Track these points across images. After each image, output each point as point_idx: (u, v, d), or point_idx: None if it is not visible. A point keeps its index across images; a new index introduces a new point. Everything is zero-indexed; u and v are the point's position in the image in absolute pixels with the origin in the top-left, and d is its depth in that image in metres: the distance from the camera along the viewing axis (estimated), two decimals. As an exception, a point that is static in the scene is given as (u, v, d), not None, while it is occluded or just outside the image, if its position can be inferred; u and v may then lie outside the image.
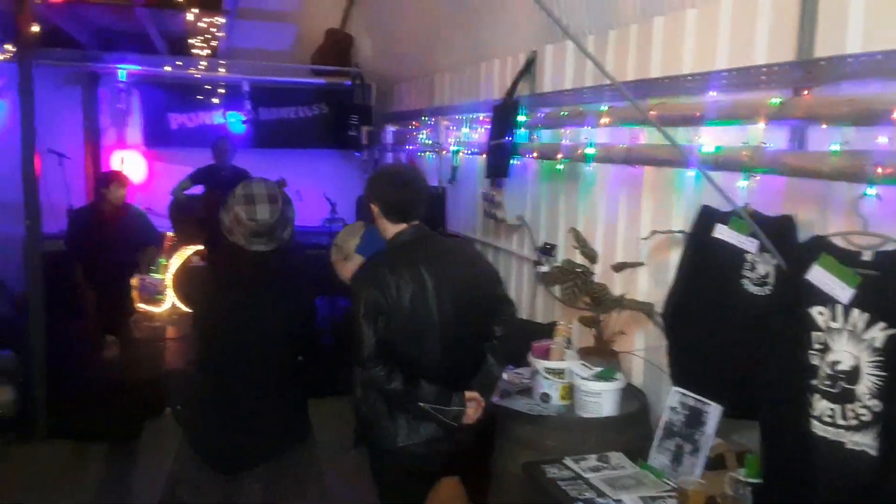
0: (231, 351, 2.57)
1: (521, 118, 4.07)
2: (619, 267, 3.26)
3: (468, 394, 2.58)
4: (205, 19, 4.54)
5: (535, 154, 3.94)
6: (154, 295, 7.02)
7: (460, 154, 5.16)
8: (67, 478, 4.47)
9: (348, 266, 4.38)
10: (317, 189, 7.10)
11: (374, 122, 7.55)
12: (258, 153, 7.35)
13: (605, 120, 3.21)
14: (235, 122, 7.58)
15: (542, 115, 3.93)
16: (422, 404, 2.49)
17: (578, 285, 3.55)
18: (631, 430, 2.88)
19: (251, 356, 2.58)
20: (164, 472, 4.23)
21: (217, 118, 7.61)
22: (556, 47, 4.04)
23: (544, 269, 4.02)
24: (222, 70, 7.08)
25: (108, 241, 5.59)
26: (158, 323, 6.74)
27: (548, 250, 4.07)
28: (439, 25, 5.74)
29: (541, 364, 3.04)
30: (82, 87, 7.31)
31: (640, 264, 3.22)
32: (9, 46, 6.15)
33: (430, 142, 5.69)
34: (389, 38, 7.09)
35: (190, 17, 4.30)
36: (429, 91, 6.18)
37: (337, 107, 7.78)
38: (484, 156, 4.66)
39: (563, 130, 3.74)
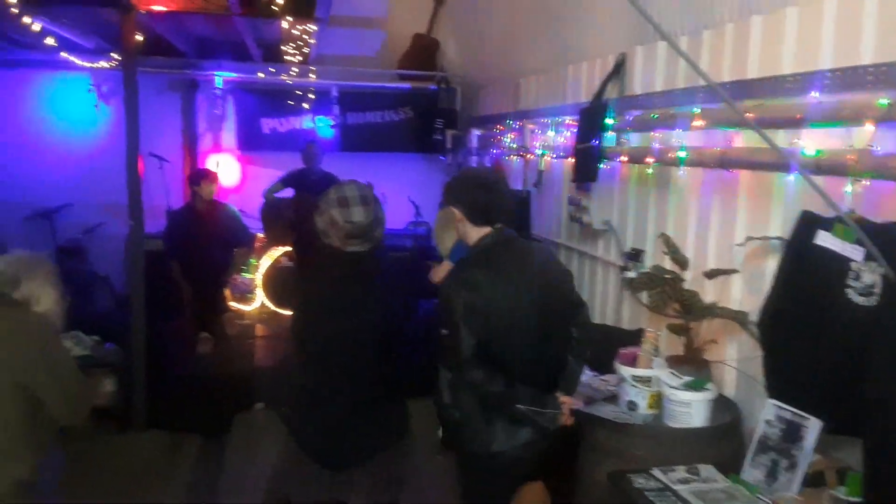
0: (330, 351, 2.64)
1: (609, 121, 4.01)
2: (711, 274, 3.16)
3: (561, 396, 2.57)
4: (298, 27, 4.66)
5: (623, 158, 3.88)
6: (245, 294, 7.30)
7: (546, 158, 5.13)
8: (164, 467, 4.67)
9: (439, 271, 4.42)
10: (401, 192, 7.20)
11: (458, 126, 7.60)
12: (345, 157, 7.51)
13: (698, 122, 3.12)
14: (324, 126, 7.77)
15: (631, 117, 3.86)
16: (520, 406, 2.47)
17: (668, 291, 3.48)
18: (722, 442, 2.79)
19: (350, 355, 2.64)
20: (253, 464, 4.42)
21: (306, 123, 7.82)
22: (647, 48, 3.95)
23: (631, 274, 3.94)
24: (312, 76, 7.27)
25: (203, 239, 5.82)
26: (248, 321, 7.01)
27: (635, 256, 3.99)
28: (525, 29, 5.72)
29: (628, 371, 2.98)
30: (182, 93, 7.66)
31: (735, 271, 3.11)
32: (114, 55, 6.52)
33: (516, 145, 5.67)
34: (476, 42, 7.11)
35: (285, 24, 4.41)
36: (514, 94, 6.17)
37: (422, 111, 7.86)
38: (570, 159, 4.61)
39: (653, 133, 3.66)
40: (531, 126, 5.28)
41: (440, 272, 4.39)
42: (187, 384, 5.39)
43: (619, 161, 3.97)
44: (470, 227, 2.61)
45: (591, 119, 4.23)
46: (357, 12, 7.50)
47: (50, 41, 5.14)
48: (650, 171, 3.65)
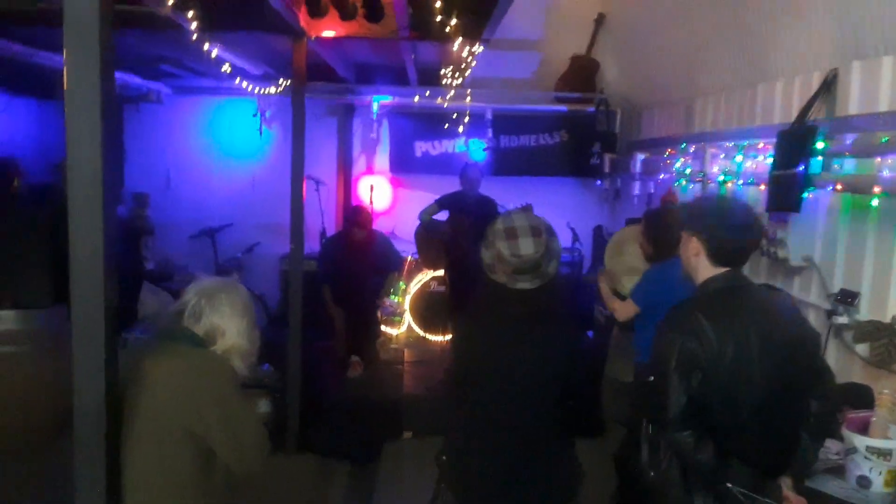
0: (497, 397, 2.37)
1: (819, 145, 3.52)
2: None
3: (787, 492, 2.13)
4: (466, 49, 4.50)
5: (837, 186, 3.37)
6: (391, 317, 7.24)
7: (728, 185, 4.65)
8: (315, 492, 4.60)
9: (620, 306, 4.07)
10: (555, 217, 6.82)
11: (617, 150, 7.20)
12: (498, 180, 7.29)
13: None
14: (476, 149, 7.61)
15: (850, 141, 3.35)
16: (730, 486, 2.07)
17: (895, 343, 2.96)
18: None
19: (518, 402, 2.37)
20: (402, 496, 4.23)
21: (459, 146, 7.70)
22: (866, 64, 3.45)
23: (842, 320, 3.42)
24: (468, 99, 7.14)
25: (356, 266, 5.78)
26: (396, 346, 6.92)
27: (847, 299, 3.46)
28: (702, 46, 5.28)
29: (860, 441, 2.50)
30: (338, 117, 7.76)
31: None
32: (281, 80, 6.68)
33: (689, 170, 5.22)
34: (640, 62, 6.72)
35: (454, 47, 4.26)
36: (686, 116, 5.72)
37: (579, 134, 7.53)
38: (762, 187, 4.14)
39: (878, 160, 3.15)
40: (713, 150, 4.81)
41: (621, 308, 4.04)
42: (338, 409, 5.33)
43: (830, 190, 3.47)
44: (705, 264, 2.24)
45: (792, 143, 3.74)
46: (513, 34, 7.29)
47: (225, 68, 5.26)
48: (875, 202, 3.13)
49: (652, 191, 6.24)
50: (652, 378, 2.17)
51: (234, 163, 7.68)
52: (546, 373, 2.37)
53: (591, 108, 7.39)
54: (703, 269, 2.24)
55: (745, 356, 2.07)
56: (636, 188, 6.37)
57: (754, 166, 4.30)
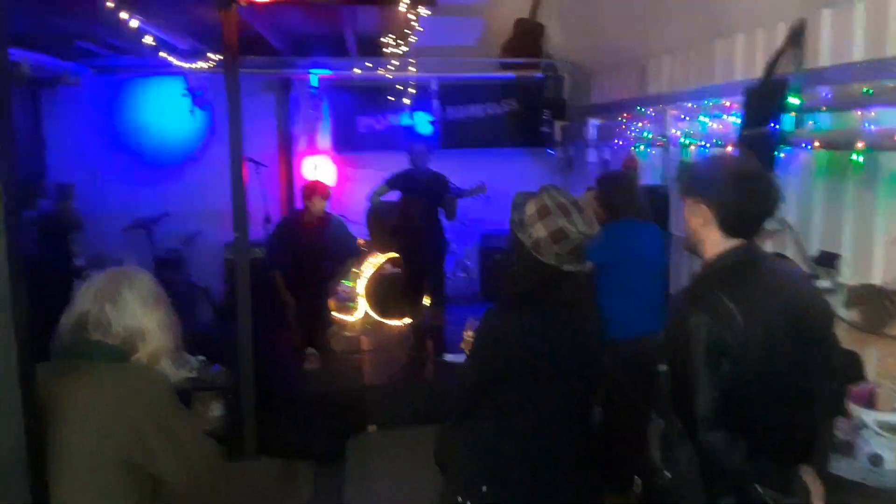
0: (544, 396, 2.08)
1: (792, 100, 3.35)
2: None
3: (810, 482, 1.91)
4: (411, 13, 4.18)
5: (815, 143, 3.21)
6: (346, 303, 6.92)
7: (691, 148, 4.49)
8: (280, 497, 4.31)
9: None
10: (508, 190, 6.63)
11: (568, 117, 6.99)
12: (446, 154, 7.01)
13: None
14: (423, 122, 7.30)
15: (828, 95, 3.19)
16: (758, 487, 1.83)
17: (887, 308, 2.84)
18: None
19: (564, 399, 2.11)
20: (373, 492, 3.97)
21: (405, 120, 7.38)
22: (837, 11, 3.28)
23: (825, 283, 3.28)
24: (412, 69, 6.81)
25: (310, 251, 5.46)
26: (351, 333, 6.63)
27: (828, 261, 3.33)
28: (653, 3, 5.08)
29: (870, 416, 2.35)
30: (276, 94, 7.33)
31: None
32: (210, 55, 6.22)
33: (650, 135, 5.04)
34: (587, 24, 6.49)
35: (401, 7, 3.94)
36: (640, 78, 5.53)
37: (527, 102, 7.30)
38: (729, 148, 3.98)
39: (858, 113, 3.00)
40: (674, 112, 4.63)
41: None
42: (297, 406, 5.01)
43: (807, 147, 3.31)
44: (715, 234, 1.97)
45: (761, 99, 3.57)
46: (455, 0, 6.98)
47: (147, 40, 4.81)
48: (859, 158, 2.97)
49: (608, 157, 6.06)
50: (666, 368, 1.95)
51: (167, 147, 7.18)
52: (589, 366, 2.15)
53: (539, 75, 7.15)
54: (713, 240, 1.98)
55: (774, 338, 1.84)
56: (591, 156, 6.19)
57: (720, 127, 4.13)
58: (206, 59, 6.29)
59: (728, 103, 4.01)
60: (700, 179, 2.03)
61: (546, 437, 2.09)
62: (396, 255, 6.30)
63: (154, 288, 1.96)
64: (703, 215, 1.97)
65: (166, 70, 6.47)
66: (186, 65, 6.36)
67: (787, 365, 1.86)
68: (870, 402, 2.42)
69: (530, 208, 2.08)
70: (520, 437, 2.09)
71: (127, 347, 1.86)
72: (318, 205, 5.31)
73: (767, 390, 1.85)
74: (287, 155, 7.43)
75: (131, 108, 7.15)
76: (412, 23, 4.98)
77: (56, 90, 6.83)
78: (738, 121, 3.78)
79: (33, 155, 6.87)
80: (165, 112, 7.14)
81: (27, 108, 6.75)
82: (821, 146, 3.20)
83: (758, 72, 3.84)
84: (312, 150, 7.53)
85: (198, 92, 7.01)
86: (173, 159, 7.16)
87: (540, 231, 2.03)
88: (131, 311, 1.87)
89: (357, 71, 6.85)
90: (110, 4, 3.45)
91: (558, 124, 6.93)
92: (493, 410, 2.10)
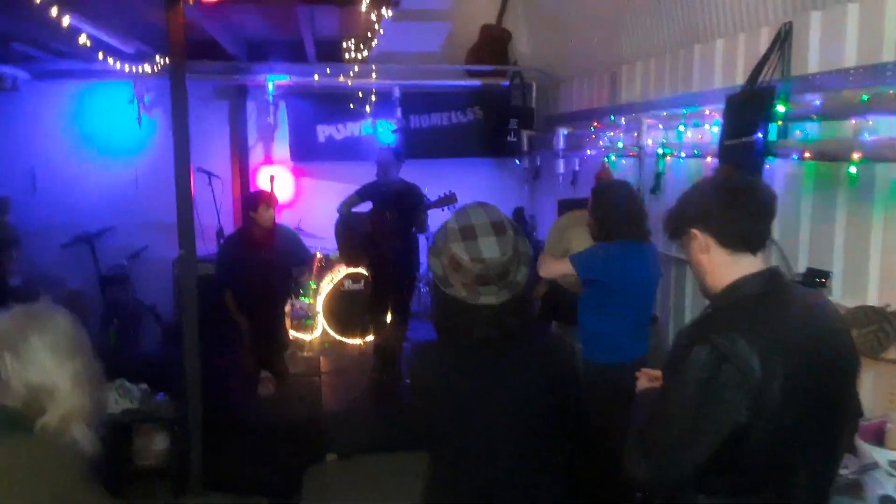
0: (472, 461, 1.82)
1: (778, 108, 3.14)
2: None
3: None
4: (374, 13, 3.90)
5: (805, 154, 3.00)
6: (303, 321, 6.57)
7: (667, 158, 4.27)
8: (228, 539, 3.96)
9: (550, 260, 3.61)
10: (474, 201, 6.38)
11: (535, 126, 6.76)
12: (409, 164, 6.70)
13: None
14: (385, 131, 7.00)
15: (816, 102, 2.98)
16: None
17: (886, 331, 2.63)
18: None
19: (511, 454, 1.82)
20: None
21: (366, 128, 7.07)
22: (827, 14, 3.09)
23: (816, 304, 3.06)
24: (373, 76, 6.51)
25: (260, 266, 5.09)
26: (310, 353, 6.27)
27: (817, 280, 3.11)
28: (624, 8, 4.88)
29: (882, 455, 2.11)
30: (230, 101, 6.98)
31: None
32: (157, 58, 5.85)
33: (622, 144, 4.82)
34: (556, 31, 6.28)
35: (362, 7, 3.65)
36: (611, 86, 5.32)
37: (493, 110, 7.05)
38: (708, 159, 3.77)
39: (853, 122, 2.79)
40: (649, 121, 4.41)
41: (554, 266, 3.54)
42: (249, 435, 4.65)
43: (795, 158, 3.10)
44: (721, 256, 1.71)
45: (745, 108, 3.36)
46: (418, 4, 6.72)
47: (83, 39, 4.43)
48: (852, 170, 2.76)
49: (577, 168, 5.83)
50: (659, 404, 1.67)
51: (112, 157, 6.75)
52: (532, 419, 1.83)
53: (505, 83, 6.92)
54: (721, 266, 1.71)
55: (798, 388, 1.55)
56: (560, 166, 5.95)
57: (699, 136, 3.92)
58: (153, 63, 5.91)
59: (708, 111, 3.80)
60: (684, 211, 1.79)
61: (490, 487, 1.81)
62: (359, 270, 5.98)
63: (71, 332, 1.62)
64: (700, 243, 1.73)
65: (111, 75, 6.07)
66: (132, 69, 5.96)
67: (808, 424, 1.59)
68: (879, 438, 2.19)
69: (442, 231, 1.83)
70: (462, 486, 1.83)
71: (30, 410, 1.51)
72: (265, 215, 4.90)
73: (785, 448, 1.58)
74: (242, 165, 7.07)
75: (74, 116, 6.72)
76: (374, 26, 4.69)
77: (-10, 96, 6.39)
78: (718, 130, 3.58)
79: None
80: (111, 120, 6.72)
81: None
82: (812, 157, 2.99)
83: (739, 78, 3.66)
84: (268, 160, 7.19)
85: (146, 98, 6.62)
86: (120, 170, 6.74)
87: (439, 261, 1.80)
88: (38, 364, 1.52)
89: (316, 77, 6.52)
90: (42, 3, 3.08)
91: (525, 133, 6.67)
92: (434, 458, 1.87)
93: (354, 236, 5.47)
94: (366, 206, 5.51)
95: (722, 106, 3.52)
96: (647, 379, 1.97)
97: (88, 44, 4.55)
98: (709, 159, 3.77)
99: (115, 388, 4.28)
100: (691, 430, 1.57)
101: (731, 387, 1.52)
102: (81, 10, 4.11)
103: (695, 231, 1.74)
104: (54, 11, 3.41)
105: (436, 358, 1.87)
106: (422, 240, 5.92)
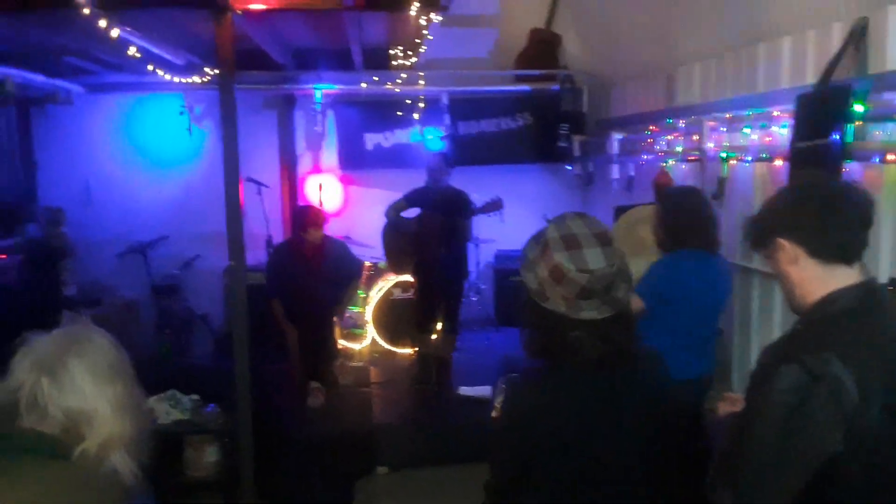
0: (590, 480, 1.68)
1: (856, 108, 2.94)
2: None
3: None
4: (422, 19, 3.82)
5: (887, 156, 2.80)
6: (353, 330, 6.52)
7: (730, 162, 4.08)
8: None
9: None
10: (525, 208, 6.26)
11: (587, 131, 6.60)
12: (457, 171, 6.62)
13: None
14: (433, 138, 6.93)
15: (898, 101, 2.79)
16: None
17: None
18: None
19: (621, 482, 1.69)
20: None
21: (414, 136, 7.01)
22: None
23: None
24: (421, 83, 6.44)
25: (309, 277, 5.07)
26: (359, 363, 6.21)
27: (900, 290, 2.90)
28: (680, 7, 4.71)
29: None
30: (278, 110, 6.99)
31: None
32: (207, 69, 5.88)
33: (681, 148, 4.64)
34: (607, 33, 6.13)
35: (412, 11, 3.57)
36: (668, 88, 5.14)
37: (543, 116, 6.92)
38: (777, 162, 3.58)
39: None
40: (712, 123, 4.23)
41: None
42: (299, 447, 4.61)
43: (877, 160, 2.90)
44: (813, 268, 1.57)
45: (818, 108, 3.17)
46: (466, 10, 6.63)
47: (132, 51, 4.45)
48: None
49: (632, 173, 5.66)
50: (742, 430, 1.53)
51: (164, 168, 6.84)
52: (646, 447, 1.70)
53: (555, 87, 6.78)
54: (812, 279, 1.57)
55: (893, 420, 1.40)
56: (615, 171, 5.79)
57: (766, 138, 3.73)
58: (202, 74, 5.94)
59: (775, 113, 3.61)
60: (769, 218, 1.66)
61: None
62: (408, 277, 5.90)
63: (111, 356, 1.54)
64: (788, 254, 1.59)
65: (162, 87, 6.13)
66: (182, 80, 6.01)
67: None
68: None
69: (535, 242, 1.69)
70: None
71: (69, 437, 1.43)
72: (315, 235, 4.95)
73: (879, 488, 1.42)
74: (291, 174, 7.07)
75: (127, 128, 6.82)
76: (422, 32, 4.62)
77: (46, 109, 6.51)
78: (787, 132, 3.39)
79: (23, 178, 6.54)
80: (163, 131, 6.80)
81: (16, 128, 6.43)
82: (895, 159, 2.79)
83: (809, 78, 3.47)
84: (317, 168, 7.18)
85: (196, 109, 6.67)
86: (172, 181, 6.81)
87: (543, 271, 1.64)
88: (77, 389, 1.44)
89: (364, 85, 6.49)
90: (92, 14, 3.08)
91: (577, 139, 6.52)
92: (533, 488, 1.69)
93: (401, 241, 5.40)
94: (413, 212, 5.44)
95: (791, 107, 3.35)
96: (730, 402, 1.82)
97: (139, 56, 4.57)
98: (778, 162, 3.58)
99: (167, 400, 4.28)
100: (778, 460, 1.44)
101: (823, 412, 1.39)
102: (130, 22, 4.13)
103: (782, 241, 1.60)
104: (103, 23, 3.40)
105: (545, 385, 1.69)
106: (470, 248, 5.84)
